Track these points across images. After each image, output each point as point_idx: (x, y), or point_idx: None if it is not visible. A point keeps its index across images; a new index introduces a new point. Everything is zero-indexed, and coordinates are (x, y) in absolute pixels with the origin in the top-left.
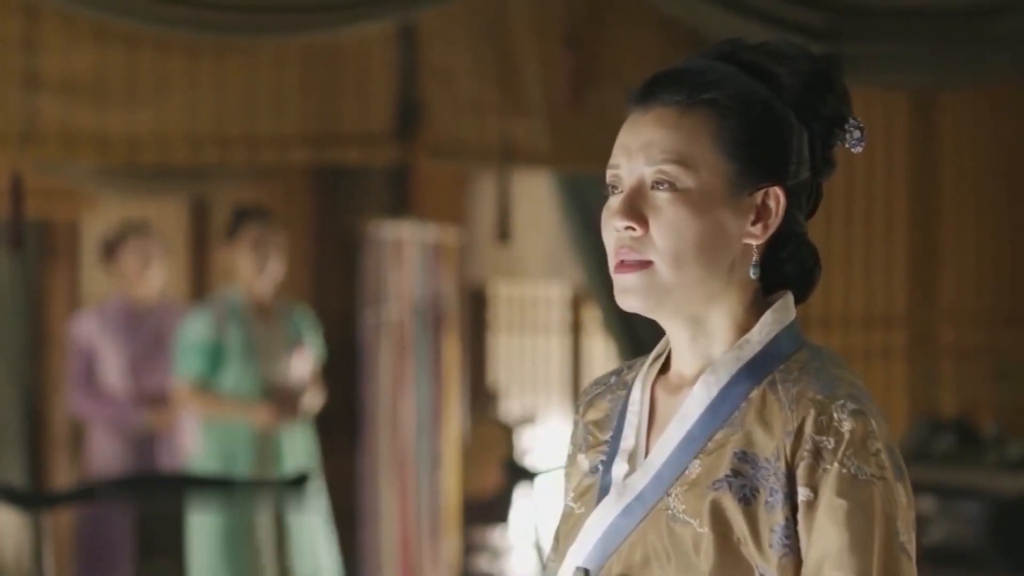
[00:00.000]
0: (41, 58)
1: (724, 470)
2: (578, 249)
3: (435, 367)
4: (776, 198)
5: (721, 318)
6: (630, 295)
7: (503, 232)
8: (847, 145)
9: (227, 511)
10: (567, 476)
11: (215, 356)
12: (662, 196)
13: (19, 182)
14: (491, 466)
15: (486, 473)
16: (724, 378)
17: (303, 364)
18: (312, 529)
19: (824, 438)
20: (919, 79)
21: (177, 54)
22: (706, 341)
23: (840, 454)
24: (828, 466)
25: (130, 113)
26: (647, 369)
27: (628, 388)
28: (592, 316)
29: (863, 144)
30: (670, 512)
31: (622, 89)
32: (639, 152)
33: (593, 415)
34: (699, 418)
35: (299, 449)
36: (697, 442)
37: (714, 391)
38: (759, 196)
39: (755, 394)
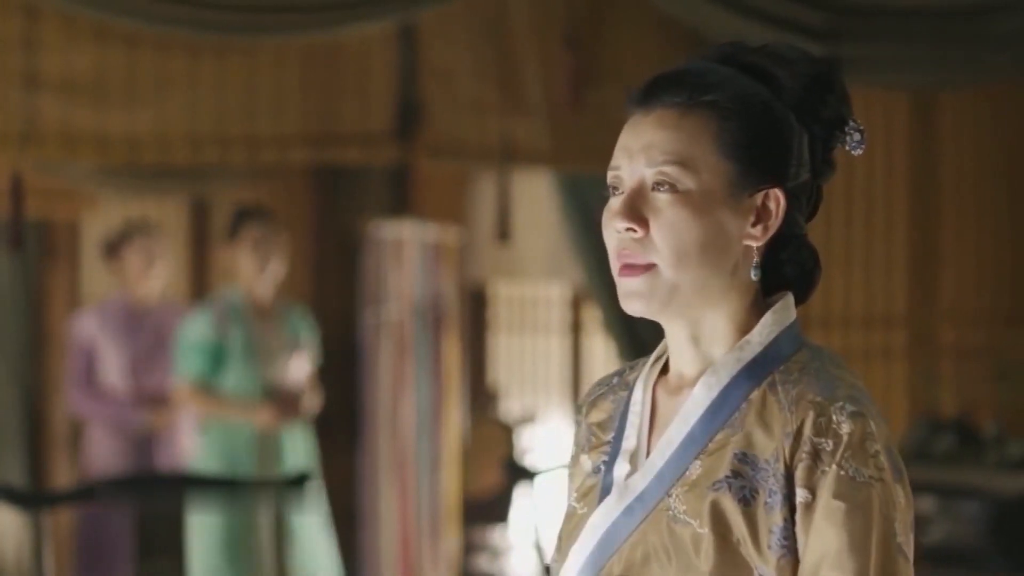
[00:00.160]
0: (41, 58)
1: (724, 471)
2: (578, 249)
3: (435, 367)
4: (776, 199)
5: (722, 319)
6: (634, 299)
7: (503, 232)
8: (847, 147)
9: (227, 511)
10: (570, 476)
11: (216, 356)
12: (663, 197)
13: (19, 182)
14: (491, 466)
15: (486, 473)
16: (724, 379)
17: (302, 365)
18: (311, 529)
19: (823, 440)
20: (919, 79)
21: (177, 54)
22: (707, 342)
23: (838, 456)
24: (826, 468)
25: (130, 113)
26: (648, 370)
27: (630, 389)
28: (592, 316)
29: (863, 146)
30: (671, 512)
31: (622, 89)
32: (640, 153)
33: (596, 416)
34: (700, 419)
35: (299, 449)
36: (698, 443)
37: (715, 392)
38: (759, 197)
39: (755, 395)
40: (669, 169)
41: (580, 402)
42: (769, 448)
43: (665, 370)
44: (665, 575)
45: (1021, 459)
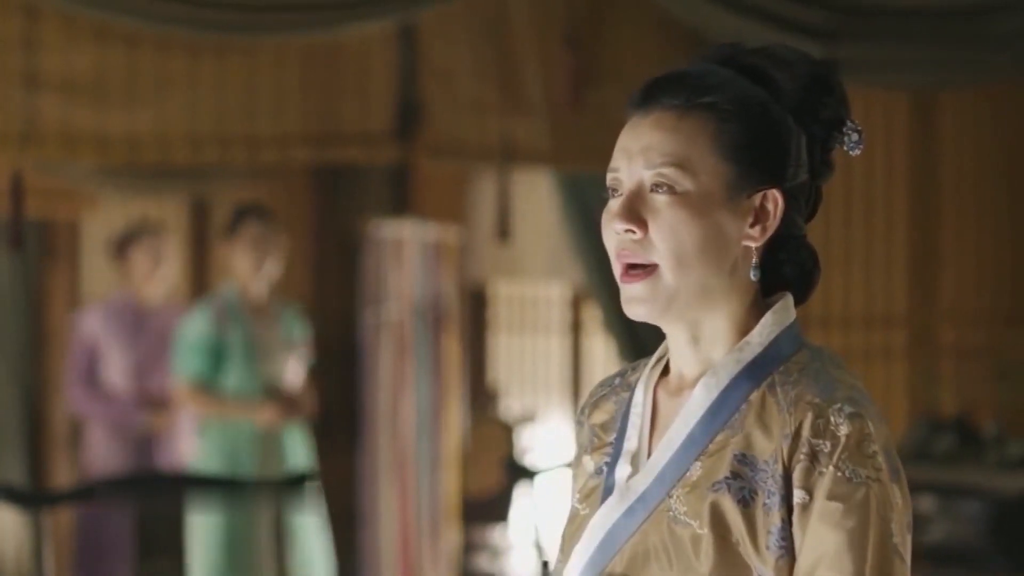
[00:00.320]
0: (41, 58)
1: (724, 472)
2: (578, 249)
3: (435, 366)
4: (774, 200)
5: (722, 320)
6: (637, 304)
7: (503, 231)
8: (845, 148)
9: (228, 511)
10: (574, 477)
11: (216, 355)
12: (661, 199)
13: (19, 182)
14: (491, 465)
15: (486, 472)
16: (724, 380)
17: (298, 364)
18: (308, 530)
19: (820, 441)
20: (919, 79)
21: (177, 54)
22: (707, 343)
23: (835, 457)
24: (824, 469)
25: (130, 113)
26: (649, 371)
27: (632, 390)
28: (592, 315)
29: (861, 147)
30: (671, 513)
31: (622, 89)
32: (638, 155)
33: (598, 417)
34: (700, 420)
35: (298, 449)
36: (698, 444)
37: (714, 393)
38: (757, 199)
39: (755, 396)
40: (667, 171)
41: (583, 403)
42: (768, 449)
43: (666, 371)
44: (666, 575)
45: (1021, 459)
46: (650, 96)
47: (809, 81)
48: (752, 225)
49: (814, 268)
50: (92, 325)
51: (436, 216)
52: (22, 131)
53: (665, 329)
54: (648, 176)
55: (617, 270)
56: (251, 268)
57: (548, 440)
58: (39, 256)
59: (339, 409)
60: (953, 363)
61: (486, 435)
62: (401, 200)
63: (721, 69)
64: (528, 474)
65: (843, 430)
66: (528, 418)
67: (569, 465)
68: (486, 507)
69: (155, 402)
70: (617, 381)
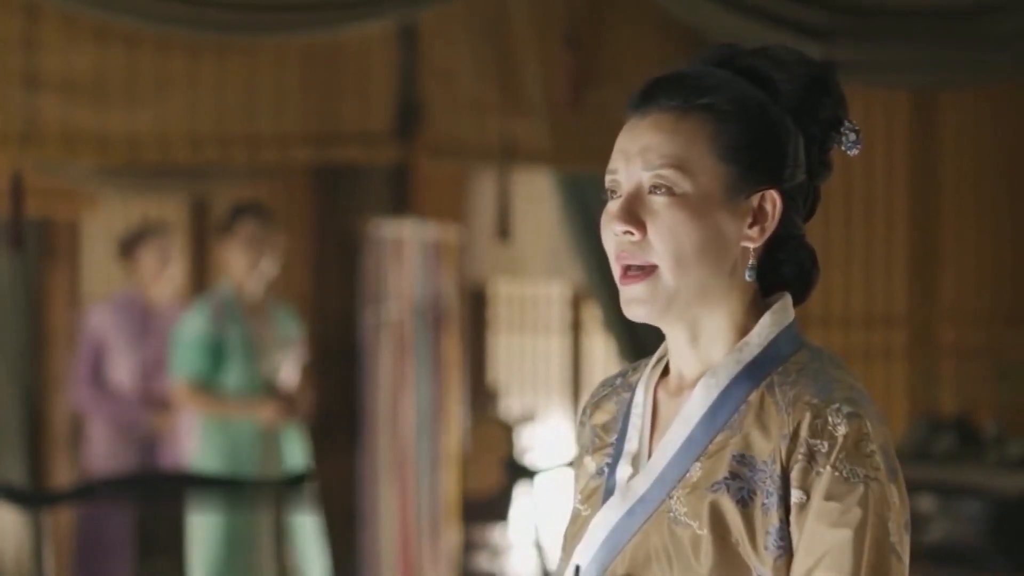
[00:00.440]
0: (41, 58)
1: (723, 472)
2: (578, 248)
3: (435, 366)
4: (773, 201)
5: (721, 321)
6: (637, 305)
7: (503, 231)
8: (843, 148)
9: (228, 511)
10: (575, 478)
11: (215, 353)
12: (659, 200)
13: (19, 181)
14: (491, 465)
15: (486, 472)
16: (724, 381)
17: (294, 362)
18: (305, 530)
19: (818, 442)
20: (919, 79)
21: (177, 54)
22: (706, 344)
23: (833, 457)
24: (821, 469)
25: (130, 113)
26: (649, 372)
27: (633, 390)
28: (592, 315)
29: (859, 147)
30: (671, 514)
31: (622, 89)
32: (637, 157)
33: (599, 417)
34: (699, 421)
35: (295, 449)
36: (698, 445)
37: (714, 394)
38: (756, 199)
39: (753, 397)
40: (666, 172)
41: (584, 404)
42: (766, 450)
43: (666, 371)
44: None
45: (1021, 459)
46: (648, 98)
47: (807, 82)
48: (751, 226)
49: (813, 268)
50: (99, 323)
51: (436, 216)
52: (22, 131)
53: (664, 330)
54: (646, 178)
55: (616, 272)
56: (247, 266)
57: (548, 440)
58: (39, 256)
59: (339, 409)
60: (953, 363)
61: (486, 435)
62: (401, 200)
63: (719, 70)
64: (528, 473)
65: (841, 430)
66: (528, 418)
67: (570, 465)
68: (486, 506)
69: (160, 402)
70: (618, 381)
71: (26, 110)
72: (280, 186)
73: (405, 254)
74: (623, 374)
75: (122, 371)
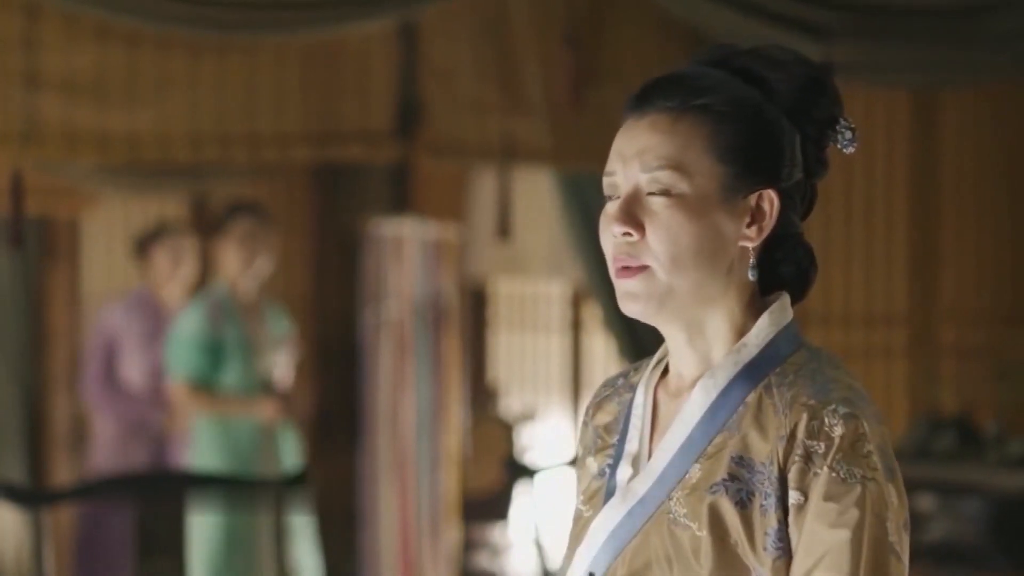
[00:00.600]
0: (42, 57)
1: (721, 474)
2: (578, 247)
3: (435, 365)
4: (770, 200)
5: (719, 321)
6: (632, 300)
7: (503, 229)
8: (839, 146)
9: (228, 510)
10: (578, 479)
11: (213, 353)
12: (658, 202)
13: (19, 180)
14: (491, 463)
15: (486, 470)
16: (722, 382)
17: (287, 360)
18: (299, 529)
19: (815, 443)
20: (920, 78)
21: (178, 53)
22: (705, 344)
23: (830, 458)
24: (818, 470)
25: (131, 112)
26: (649, 372)
27: (634, 391)
28: (592, 314)
29: (855, 145)
30: (671, 516)
31: (622, 88)
32: (634, 159)
33: (601, 418)
34: (698, 422)
35: (291, 447)
36: (697, 446)
37: (712, 395)
38: (753, 199)
39: (752, 398)
40: (663, 174)
41: (587, 404)
42: (764, 451)
43: (667, 372)
44: None
45: (1021, 457)
46: (645, 99)
47: (802, 81)
48: (749, 225)
49: (811, 266)
50: (112, 322)
51: (436, 214)
52: (23, 130)
53: (662, 330)
54: (644, 179)
55: (612, 271)
56: (241, 265)
57: (548, 438)
58: (39, 255)
59: (339, 407)
60: (953, 362)
61: (486, 433)
62: (401, 198)
63: (715, 71)
64: (528, 472)
65: (837, 431)
66: (528, 416)
67: (570, 464)
68: (486, 505)
69: (171, 401)
70: (620, 382)
71: (26, 109)
72: (280, 185)
73: (405, 253)
74: (625, 374)
75: (133, 370)
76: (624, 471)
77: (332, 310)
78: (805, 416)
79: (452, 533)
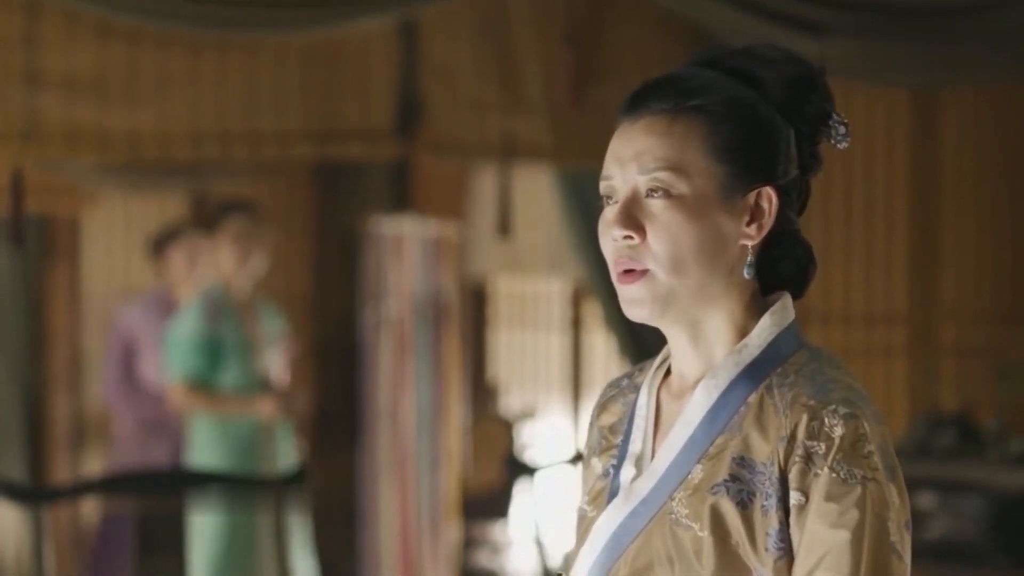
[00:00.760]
0: (42, 55)
1: (723, 475)
2: (579, 245)
3: (435, 363)
4: (768, 198)
5: (721, 321)
6: (636, 305)
7: (503, 228)
8: (832, 141)
9: (228, 509)
10: (583, 479)
11: (211, 352)
12: (657, 203)
13: (20, 178)
14: (491, 462)
15: (486, 469)
16: (723, 383)
17: (282, 359)
18: (293, 528)
19: (815, 443)
20: (920, 77)
21: (178, 51)
22: (707, 344)
23: (830, 459)
24: (819, 471)
25: (131, 110)
26: (652, 373)
27: (638, 391)
28: (592, 312)
29: (848, 139)
30: (673, 516)
31: (622, 87)
32: (631, 161)
33: (606, 419)
34: (700, 423)
35: (288, 446)
36: (699, 447)
37: (714, 396)
38: (752, 197)
39: (753, 398)
40: (661, 175)
41: (593, 405)
42: (765, 451)
43: (670, 373)
44: None
45: (1021, 456)
46: (639, 102)
47: (794, 79)
48: (748, 224)
49: (810, 263)
50: (130, 321)
51: (436, 213)
52: (23, 129)
53: (665, 331)
54: (643, 181)
55: (614, 275)
56: (236, 264)
57: (548, 436)
58: (40, 253)
59: (339, 406)
60: (953, 361)
61: (486, 432)
62: (401, 197)
63: (707, 72)
64: (528, 470)
65: (837, 431)
66: (528, 414)
67: (571, 462)
68: (486, 503)
69: None
70: (625, 382)
71: (27, 108)
72: (280, 183)
73: (405, 251)
74: (630, 375)
75: (151, 369)
76: (627, 472)
77: (332, 308)
78: (805, 417)
79: (452, 531)
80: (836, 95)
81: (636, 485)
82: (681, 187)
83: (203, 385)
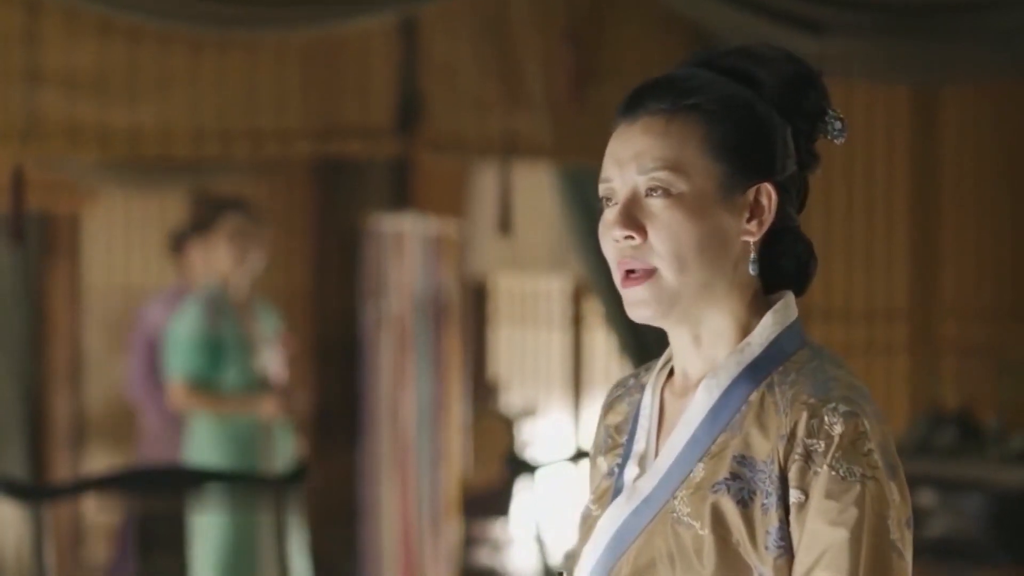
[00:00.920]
0: (43, 53)
1: (724, 473)
2: (579, 242)
3: (436, 361)
4: (768, 194)
5: (723, 319)
6: (640, 307)
7: (504, 225)
8: (829, 137)
9: (229, 507)
10: (590, 478)
11: (212, 351)
12: (657, 203)
13: (20, 176)
14: (492, 459)
15: (487, 466)
16: (725, 382)
17: (278, 357)
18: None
19: (815, 441)
20: (920, 75)
21: (179, 48)
22: (709, 343)
23: (829, 457)
24: (818, 469)
25: (132, 107)
26: (656, 373)
27: (644, 391)
28: (593, 310)
29: (845, 135)
30: (675, 515)
31: (623, 85)
32: (630, 162)
33: (612, 418)
34: (702, 422)
35: (287, 444)
36: (701, 445)
37: (715, 395)
38: (751, 194)
39: (754, 397)
40: (661, 174)
41: (601, 404)
42: (765, 449)
43: (674, 372)
44: None
45: (1022, 453)
46: (636, 103)
47: (790, 76)
48: (749, 220)
49: (810, 259)
50: (152, 318)
51: (437, 210)
52: (24, 126)
53: (668, 330)
54: (642, 181)
55: (617, 277)
56: (233, 262)
57: (549, 434)
58: (40, 251)
59: (339, 404)
60: (954, 359)
61: (487, 429)
62: (402, 194)
63: (702, 71)
64: (529, 468)
65: (837, 429)
66: (529, 412)
67: (571, 459)
68: (487, 501)
69: None
70: (631, 382)
71: (27, 105)
72: (281, 181)
73: (406, 249)
74: (636, 375)
75: None
76: (631, 470)
77: (333, 306)
78: (805, 415)
79: (453, 529)
80: (836, 94)
81: (639, 484)
82: (680, 186)
83: (204, 385)
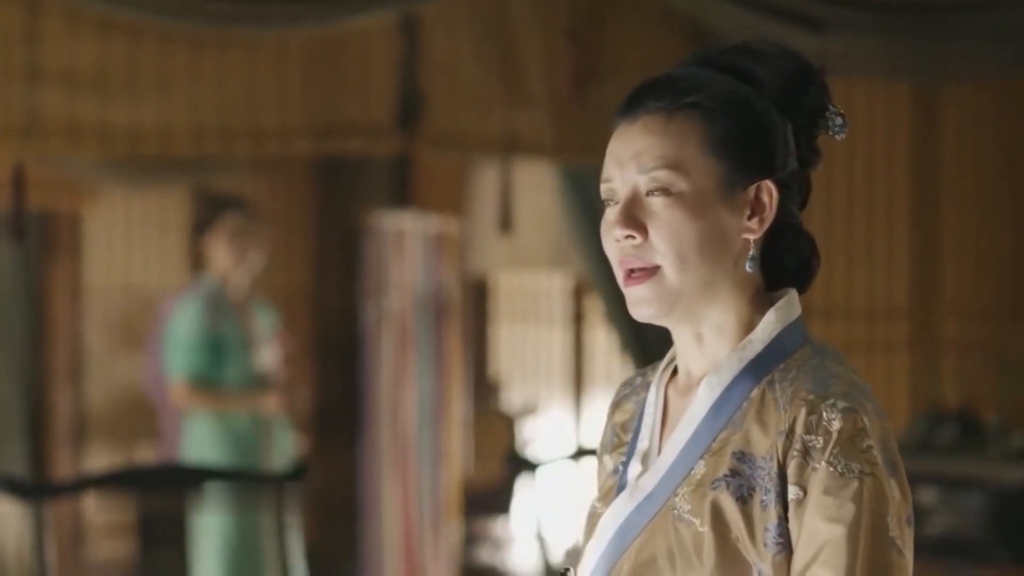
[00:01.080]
0: (43, 51)
1: (723, 470)
2: (580, 240)
3: (437, 358)
4: (768, 191)
5: (725, 318)
6: (643, 305)
7: (505, 223)
8: (830, 132)
9: (231, 504)
10: (597, 476)
11: (213, 349)
12: (658, 202)
13: (21, 174)
14: (493, 457)
15: (488, 464)
16: (727, 379)
17: (276, 355)
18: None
19: (813, 437)
20: (921, 73)
21: (180, 46)
22: (712, 341)
23: (828, 453)
24: (817, 465)
25: (133, 106)
26: (661, 371)
27: (649, 390)
28: (594, 307)
29: (845, 130)
30: (676, 512)
31: (623, 83)
32: (631, 162)
33: (619, 417)
34: (704, 419)
35: (287, 442)
36: (703, 443)
37: (717, 392)
38: (752, 191)
39: (755, 394)
40: (661, 173)
41: (609, 403)
42: (764, 446)
43: (678, 370)
44: (670, 574)
45: (1022, 451)
46: (635, 103)
47: (789, 72)
48: (750, 218)
49: (813, 256)
50: None
51: (437, 208)
52: (24, 124)
53: (671, 328)
54: (643, 181)
55: (619, 276)
56: (233, 261)
57: (550, 432)
58: (41, 249)
59: (340, 402)
60: (955, 357)
61: (488, 427)
62: (402, 192)
63: (701, 70)
64: (530, 466)
65: (835, 425)
66: (530, 410)
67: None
68: (488, 499)
69: None
70: (638, 381)
71: (28, 103)
72: (281, 179)
73: (406, 246)
74: (643, 373)
75: None
76: (634, 468)
77: (333, 304)
78: (804, 411)
79: (454, 527)
80: (837, 92)
81: (642, 481)
82: (681, 185)
83: (205, 383)
